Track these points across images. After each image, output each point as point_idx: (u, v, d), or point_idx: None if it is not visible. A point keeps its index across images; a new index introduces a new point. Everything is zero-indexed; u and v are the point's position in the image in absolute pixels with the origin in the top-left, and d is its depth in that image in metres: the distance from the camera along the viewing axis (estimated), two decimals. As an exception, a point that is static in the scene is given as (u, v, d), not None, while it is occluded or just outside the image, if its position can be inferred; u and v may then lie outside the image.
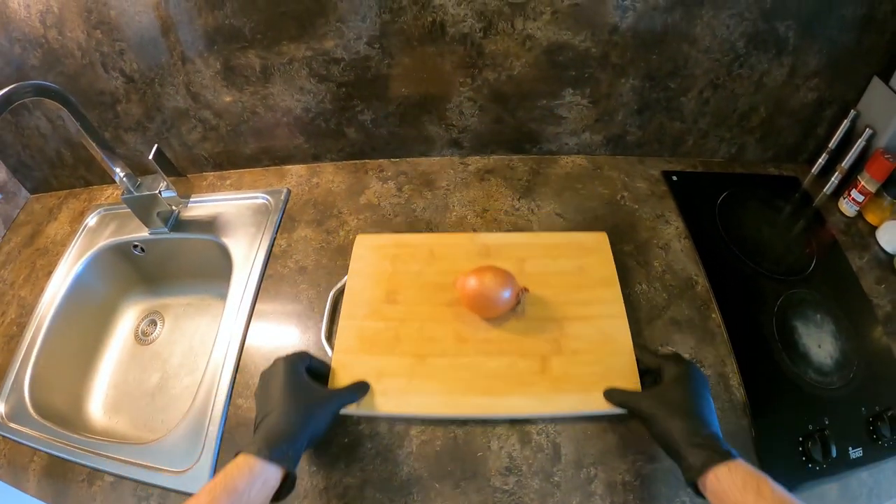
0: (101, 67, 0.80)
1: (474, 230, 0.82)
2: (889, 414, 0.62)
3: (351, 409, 0.62)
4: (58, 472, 0.67)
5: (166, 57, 0.79)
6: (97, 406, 0.84)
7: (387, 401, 0.63)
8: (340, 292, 0.74)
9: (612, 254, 0.74)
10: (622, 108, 0.83)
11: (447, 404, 0.62)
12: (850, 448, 0.61)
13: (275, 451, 0.50)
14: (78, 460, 0.67)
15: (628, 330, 0.66)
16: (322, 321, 0.72)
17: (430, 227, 0.82)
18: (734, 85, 0.80)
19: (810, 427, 0.62)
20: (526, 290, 0.68)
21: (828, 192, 0.86)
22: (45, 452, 0.68)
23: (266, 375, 0.60)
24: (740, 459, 0.49)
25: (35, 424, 0.71)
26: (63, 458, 0.67)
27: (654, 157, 0.90)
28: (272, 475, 0.50)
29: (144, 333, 0.91)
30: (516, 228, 0.81)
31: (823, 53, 0.75)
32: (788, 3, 0.70)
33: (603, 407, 0.61)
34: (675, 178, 0.86)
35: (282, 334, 0.73)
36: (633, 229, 0.80)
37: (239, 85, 0.81)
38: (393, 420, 0.64)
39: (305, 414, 0.55)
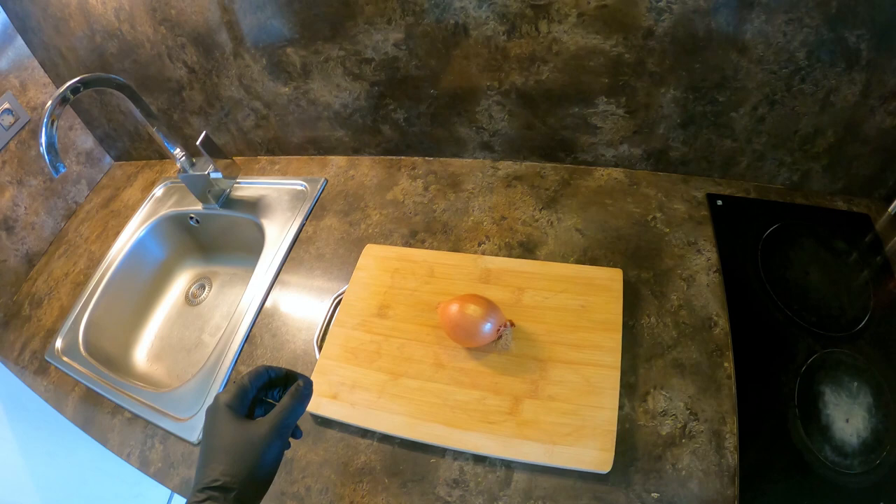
0: (167, 58, 0.94)
1: (487, 237, 0.83)
2: None
3: (320, 412, 0.67)
4: (91, 402, 0.82)
5: (220, 52, 0.90)
6: (142, 353, 1.00)
7: (353, 412, 0.67)
8: (341, 298, 0.79)
9: (622, 295, 0.70)
10: (663, 120, 0.77)
11: (407, 427, 0.65)
12: None
13: None
14: (107, 395, 0.81)
15: (618, 384, 0.63)
16: (320, 319, 0.78)
17: (444, 230, 0.85)
18: (795, 102, 0.70)
19: None
20: (511, 324, 0.68)
21: None
22: (84, 385, 0.84)
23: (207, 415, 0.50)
24: None
25: (82, 360, 0.87)
26: (96, 392, 0.82)
27: (702, 177, 0.83)
28: None
29: (194, 295, 1.06)
30: (529, 241, 0.81)
31: None
32: (859, 9, 0.60)
33: (565, 463, 0.59)
34: (720, 202, 0.79)
35: (290, 315, 0.82)
36: (656, 255, 0.75)
37: (283, 79, 0.90)
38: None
39: (244, 469, 0.45)
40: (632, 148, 0.83)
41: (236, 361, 0.79)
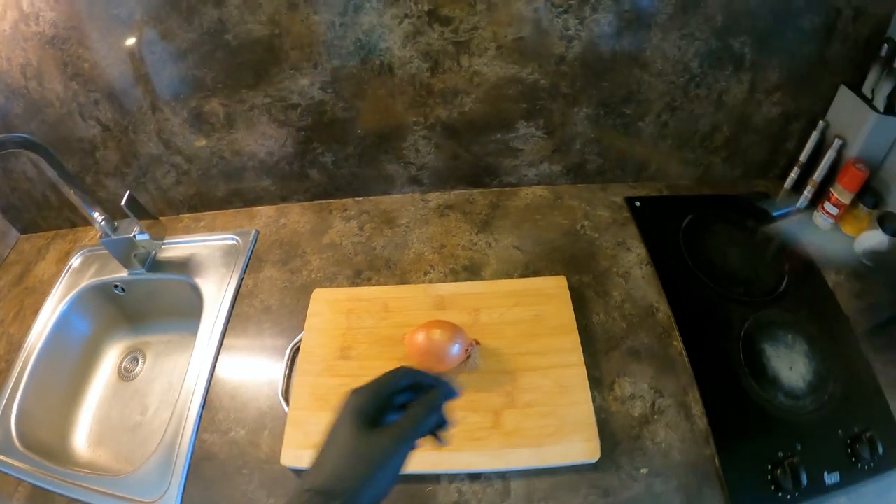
0: (78, 116, 0.89)
1: (431, 267, 0.86)
2: (868, 435, 0.62)
3: (304, 465, 0.65)
4: (39, 502, 0.74)
5: (137, 106, 0.87)
6: (82, 439, 0.91)
7: None
8: (297, 348, 0.79)
9: (570, 299, 0.76)
10: (578, 136, 0.86)
11: None
12: (826, 473, 0.60)
13: None
14: (59, 491, 0.73)
15: (586, 379, 0.69)
16: (281, 373, 0.77)
17: (388, 265, 0.88)
18: (692, 106, 0.82)
19: (780, 454, 0.62)
20: (476, 343, 0.71)
21: (801, 207, 0.87)
22: (29, 483, 0.75)
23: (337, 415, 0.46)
24: None
25: (20, 456, 0.78)
26: (45, 489, 0.74)
27: (618, 184, 0.93)
28: None
29: (127, 370, 0.99)
30: (472, 264, 0.85)
31: (784, 67, 0.78)
32: (740, 19, 0.72)
33: (556, 461, 0.63)
34: (637, 203, 0.89)
35: (246, 373, 0.79)
36: (592, 259, 0.83)
37: (206, 131, 0.89)
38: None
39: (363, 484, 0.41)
40: (552, 165, 0.91)
41: (198, 429, 0.75)
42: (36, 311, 0.95)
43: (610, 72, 0.79)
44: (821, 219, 0.84)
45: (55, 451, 0.86)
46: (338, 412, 0.46)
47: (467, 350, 0.70)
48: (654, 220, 0.87)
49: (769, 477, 0.61)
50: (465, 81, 0.80)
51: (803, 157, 0.85)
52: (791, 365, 0.70)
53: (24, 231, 1.11)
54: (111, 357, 1.01)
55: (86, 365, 0.98)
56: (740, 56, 0.77)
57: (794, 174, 0.88)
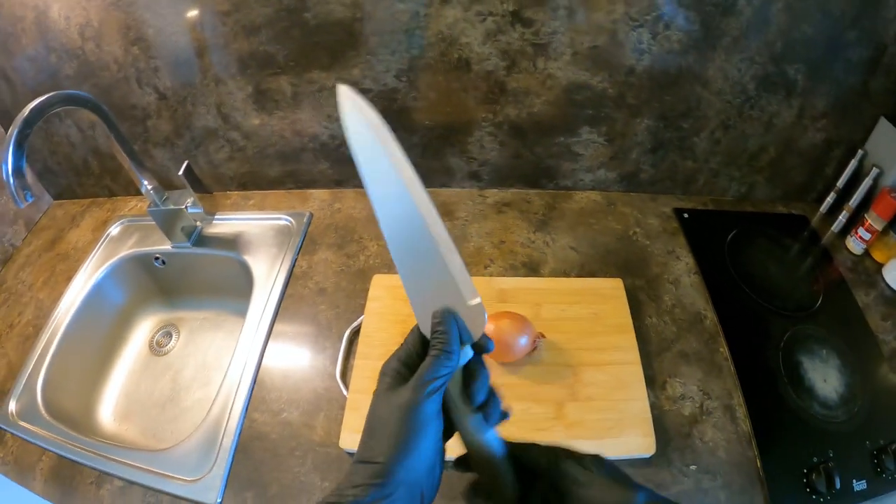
0: (135, 82, 0.87)
1: (491, 261, 0.87)
2: (893, 448, 0.66)
3: None
4: (66, 473, 0.71)
5: (199, 77, 0.85)
6: (107, 412, 0.89)
7: None
8: (356, 331, 0.79)
9: (627, 300, 0.78)
10: (636, 146, 0.89)
11: (461, 447, 0.66)
12: (854, 481, 0.64)
13: None
14: (88, 462, 0.70)
15: (642, 377, 0.71)
16: (338, 356, 0.76)
17: (447, 258, 0.88)
18: (745, 126, 0.86)
19: (815, 459, 0.65)
20: (542, 336, 0.73)
21: (835, 231, 0.91)
22: (54, 453, 0.72)
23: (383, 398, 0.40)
24: None
25: (46, 424, 0.75)
26: (72, 460, 0.71)
27: (667, 195, 0.96)
28: None
29: (159, 344, 0.96)
30: (531, 261, 0.87)
31: (831, 95, 0.82)
32: (797, 47, 0.76)
33: (615, 454, 0.65)
34: (686, 215, 0.92)
35: (299, 353, 0.79)
36: (644, 264, 0.86)
37: (269, 109, 0.88)
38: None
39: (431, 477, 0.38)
40: (608, 172, 0.94)
41: (247, 408, 0.74)
42: (68, 278, 0.92)
43: (673, 87, 0.82)
44: (853, 243, 0.89)
45: (80, 423, 0.83)
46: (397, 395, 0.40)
47: (534, 342, 0.71)
48: (702, 232, 0.90)
49: (805, 480, 0.64)
50: (538, 83, 0.82)
51: (841, 182, 0.90)
52: (825, 377, 0.74)
53: (57, 197, 1.07)
54: (143, 330, 0.98)
55: (117, 336, 0.96)
56: (793, 82, 0.81)
57: (830, 199, 0.93)
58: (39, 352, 0.83)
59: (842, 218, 0.90)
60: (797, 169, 0.92)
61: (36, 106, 0.65)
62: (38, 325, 0.87)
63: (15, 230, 0.99)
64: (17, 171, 0.63)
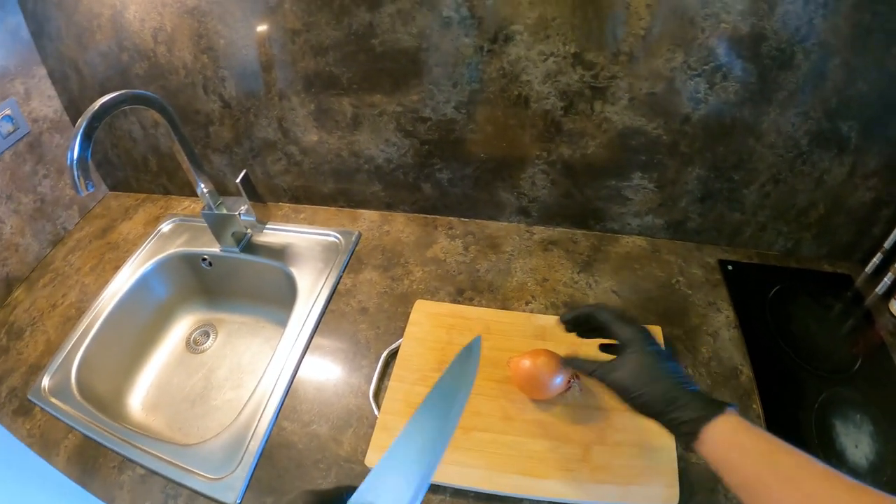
0: (201, 89, 0.90)
1: (533, 297, 0.87)
2: None
3: None
4: (90, 454, 0.72)
5: (264, 91, 0.88)
6: (137, 401, 0.91)
7: None
8: (393, 353, 0.79)
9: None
10: (686, 195, 0.89)
11: (486, 479, 0.65)
12: None
13: None
14: (112, 447, 0.72)
15: None
16: (373, 375, 0.77)
17: (490, 289, 0.89)
18: (795, 180, 0.85)
19: None
20: (577, 377, 0.72)
21: (880, 293, 0.88)
22: (80, 432, 0.74)
23: None
24: (735, 411, 0.49)
25: (76, 404, 0.77)
26: (97, 442, 0.73)
27: (712, 245, 0.95)
28: None
29: (196, 342, 0.99)
30: (573, 300, 0.87)
31: (883, 154, 0.80)
32: (852, 104, 0.75)
33: (638, 501, 0.63)
34: (730, 267, 0.91)
35: (335, 368, 0.80)
36: (684, 314, 0.85)
37: (328, 128, 0.91)
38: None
39: None
40: (655, 218, 0.93)
41: (278, 416, 0.75)
42: (115, 267, 0.95)
43: (727, 137, 0.82)
44: (897, 307, 0.87)
45: (108, 407, 0.85)
46: None
47: (569, 382, 0.70)
48: (744, 285, 0.89)
49: None
50: (594, 126, 0.82)
51: (888, 244, 0.88)
52: (857, 443, 0.72)
53: (113, 188, 1.11)
54: (182, 327, 1.01)
55: (156, 329, 0.98)
56: (846, 139, 0.79)
57: (876, 259, 0.90)
58: (79, 334, 0.86)
59: (887, 280, 0.88)
60: (844, 227, 0.90)
61: (107, 101, 0.67)
62: (80, 308, 0.90)
63: (69, 214, 1.04)
64: (82, 161, 0.65)
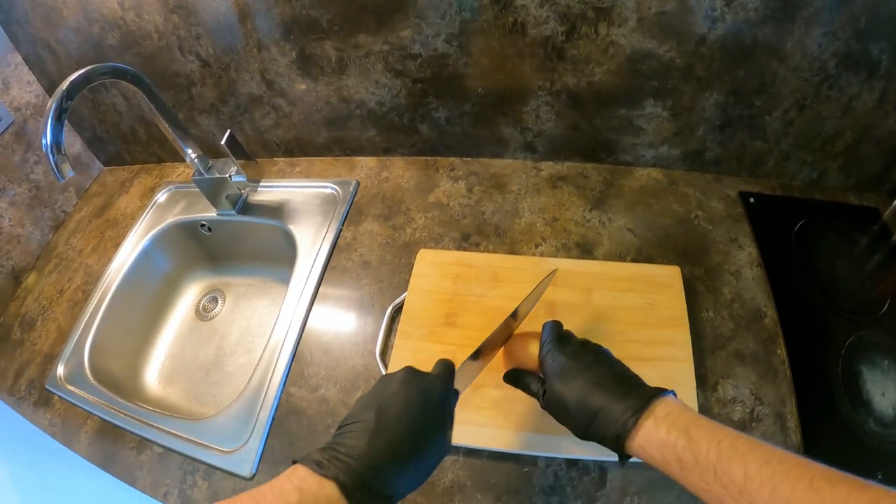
0: (177, 50, 0.81)
1: (543, 239, 0.79)
2: None
3: None
4: (109, 436, 0.69)
5: (242, 43, 0.78)
6: (153, 375, 0.86)
7: None
8: (398, 308, 0.72)
9: (683, 291, 0.69)
10: (703, 122, 0.77)
11: (497, 438, 0.60)
12: None
13: (369, 490, 0.35)
14: (129, 428, 0.69)
15: (693, 376, 0.62)
16: (378, 333, 0.70)
17: (497, 232, 0.80)
18: (821, 107, 0.73)
19: None
20: None
21: None
22: (99, 417, 0.71)
23: (397, 383, 0.43)
24: (671, 396, 0.42)
25: (91, 389, 0.74)
26: (115, 425, 0.70)
27: (732, 176, 0.84)
28: None
29: (205, 309, 0.93)
30: (585, 241, 0.78)
31: None
32: (884, 24, 0.63)
33: None
34: (752, 199, 0.80)
35: (340, 329, 0.73)
36: (704, 252, 0.75)
37: (314, 75, 0.80)
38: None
39: (427, 461, 0.40)
40: (671, 149, 0.82)
41: (285, 382, 0.70)
42: (117, 244, 0.89)
43: (747, 60, 0.69)
44: (929, 240, 0.76)
45: (125, 385, 0.81)
46: (409, 381, 0.44)
47: None
48: (768, 220, 0.78)
49: None
50: (599, 51, 0.71)
51: (919, 175, 0.76)
52: (884, 391, 0.64)
53: (107, 163, 1.04)
54: (190, 295, 0.95)
55: (163, 301, 0.93)
56: (877, 62, 0.67)
57: (905, 192, 0.79)
58: (88, 317, 0.81)
59: (916, 214, 0.77)
60: (873, 157, 0.78)
61: (74, 80, 0.60)
62: (87, 291, 0.85)
63: (66, 197, 0.97)
64: (57, 145, 0.59)
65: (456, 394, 0.47)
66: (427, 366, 0.65)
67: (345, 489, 0.34)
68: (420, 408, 0.41)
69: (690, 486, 0.36)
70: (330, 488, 0.34)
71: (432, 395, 0.43)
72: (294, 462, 0.37)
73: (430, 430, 0.40)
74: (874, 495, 0.28)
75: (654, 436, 0.38)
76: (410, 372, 0.45)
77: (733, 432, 0.37)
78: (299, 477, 0.35)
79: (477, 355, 0.52)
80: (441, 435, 0.42)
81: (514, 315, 0.57)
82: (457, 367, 0.49)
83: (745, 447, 0.34)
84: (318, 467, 0.35)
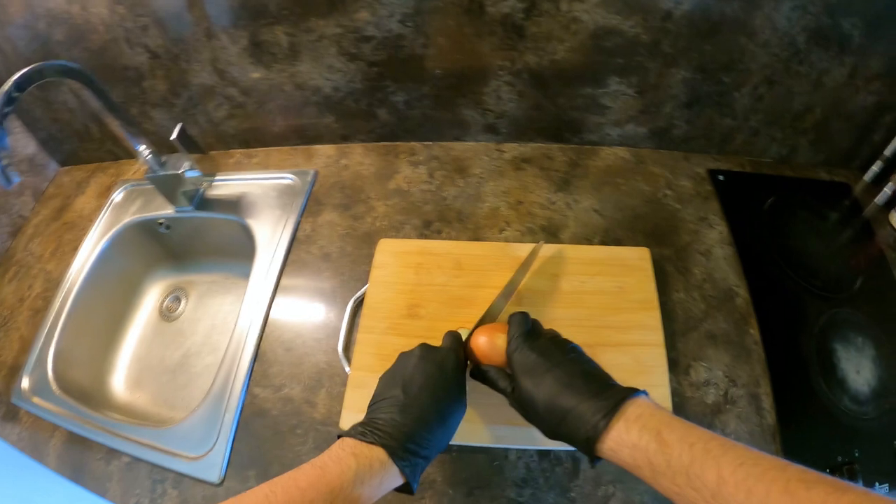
0: (125, 43, 0.76)
1: (507, 224, 0.76)
2: None
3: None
4: (77, 448, 0.66)
5: (191, 32, 0.74)
6: (119, 381, 0.83)
7: None
8: (360, 301, 0.69)
9: (653, 273, 0.66)
10: (670, 100, 0.75)
11: (467, 433, 0.57)
12: (878, 483, 0.55)
13: (409, 451, 0.41)
14: (96, 439, 0.66)
15: (665, 360, 0.60)
16: (340, 328, 0.67)
17: (460, 218, 0.77)
18: (791, 82, 0.71)
19: (840, 458, 0.56)
20: None
21: (879, 203, 0.77)
22: (66, 429, 0.68)
23: (415, 359, 0.48)
24: (643, 397, 0.40)
25: (57, 400, 0.70)
26: (82, 436, 0.67)
27: (701, 154, 0.82)
28: (391, 480, 0.40)
29: (169, 309, 0.89)
30: (551, 224, 0.75)
31: (888, 56, 0.67)
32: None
33: None
34: (721, 177, 0.78)
35: (302, 325, 0.70)
36: (674, 232, 0.73)
37: (266, 62, 0.76)
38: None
39: (451, 424, 0.46)
40: (637, 127, 0.80)
41: (249, 383, 0.66)
42: (75, 248, 0.84)
43: (715, 35, 0.67)
44: (898, 218, 0.74)
45: (92, 393, 0.78)
46: (428, 356, 0.49)
47: None
48: (737, 197, 0.76)
49: None
50: (561, 28, 0.67)
51: (889, 151, 0.75)
52: (858, 368, 0.63)
53: (63, 163, 0.98)
54: (153, 296, 0.91)
55: (126, 304, 0.89)
56: (847, 38, 0.65)
57: (876, 167, 0.78)
58: (49, 325, 0.77)
59: (887, 189, 0.75)
60: (843, 133, 0.77)
61: (15, 81, 0.56)
62: (47, 298, 0.81)
63: (23, 201, 0.91)
64: (1, 151, 0.55)
65: (465, 362, 0.51)
66: (392, 360, 0.62)
67: (392, 452, 0.40)
68: (439, 379, 0.46)
69: (662, 489, 0.35)
70: (379, 451, 0.40)
71: (447, 366, 0.48)
72: (339, 437, 0.42)
73: (450, 397, 0.46)
74: (852, 498, 0.27)
75: (625, 439, 0.37)
76: (425, 348, 0.49)
77: (707, 433, 0.35)
78: (349, 445, 0.40)
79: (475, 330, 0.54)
80: (459, 399, 0.47)
81: (490, 311, 0.57)
82: (463, 339, 0.53)
83: (719, 449, 0.33)
84: (364, 437, 0.40)
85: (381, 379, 0.49)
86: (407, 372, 0.47)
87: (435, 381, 0.46)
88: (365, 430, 0.41)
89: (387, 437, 0.40)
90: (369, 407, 0.46)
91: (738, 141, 0.79)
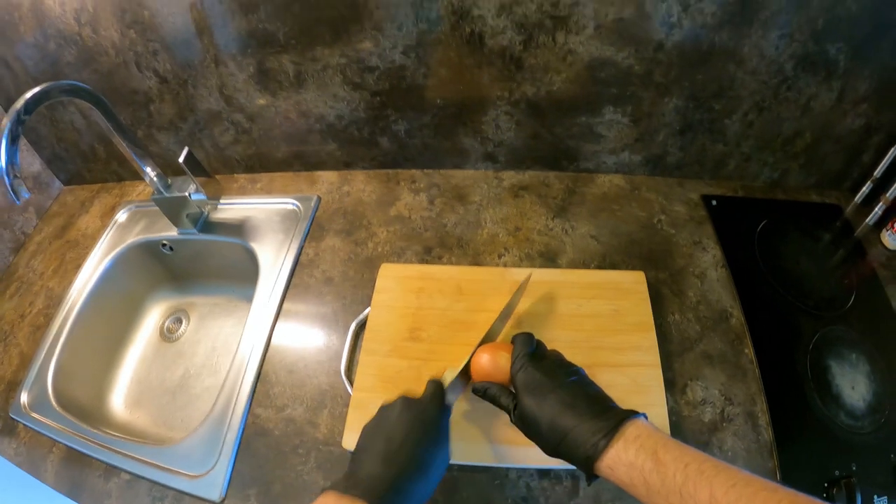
0: (134, 66, 0.77)
1: (506, 249, 0.77)
2: None
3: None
4: (75, 465, 0.66)
5: (199, 59, 0.75)
6: (119, 400, 0.82)
7: None
8: (362, 324, 0.70)
9: (649, 296, 0.68)
10: (664, 128, 0.77)
11: (465, 452, 0.58)
12: (876, 496, 0.56)
13: None
14: (96, 455, 0.66)
15: (662, 380, 0.61)
16: (343, 350, 0.68)
17: (460, 244, 0.78)
18: (780, 108, 0.73)
19: (837, 473, 0.57)
20: None
21: (870, 223, 0.79)
22: (64, 444, 0.67)
23: (396, 412, 0.48)
24: (642, 419, 0.41)
25: (56, 416, 0.70)
26: (81, 452, 0.66)
27: (694, 180, 0.84)
28: None
29: (170, 330, 0.89)
30: (549, 250, 0.76)
31: (874, 78, 0.69)
32: (840, 25, 0.63)
33: None
34: (714, 202, 0.80)
35: (304, 348, 0.71)
36: (669, 256, 0.75)
37: (272, 89, 0.78)
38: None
39: (433, 474, 0.46)
40: (632, 155, 0.82)
41: (251, 404, 0.66)
42: (78, 266, 0.85)
43: (705, 64, 0.69)
44: (889, 238, 0.76)
45: (91, 411, 0.77)
46: (408, 408, 0.49)
47: None
48: (731, 221, 0.78)
49: (825, 495, 0.56)
50: (558, 59, 0.70)
51: (878, 172, 0.77)
52: (853, 384, 0.64)
53: (67, 182, 0.99)
54: (154, 316, 0.91)
55: (127, 323, 0.89)
56: (834, 62, 0.67)
57: (866, 188, 0.80)
58: (50, 342, 0.77)
59: (878, 210, 0.77)
60: (833, 155, 0.79)
61: (28, 99, 0.57)
62: (48, 315, 0.81)
63: (26, 218, 0.92)
64: (11, 168, 0.56)
65: (448, 409, 0.51)
66: (395, 382, 0.63)
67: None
68: (420, 431, 0.46)
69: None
70: None
71: (427, 417, 0.48)
72: (324, 490, 0.42)
73: (431, 448, 0.46)
74: None
75: (622, 458, 0.38)
76: (405, 401, 0.49)
77: (702, 455, 0.36)
78: (333, 499, 0.40)
79: (463, 371, 0.54)
80: (442, 450, 0.47)
81: (489, 335, 0.58)
82: (445, 385, 0.52)
83: (712, 470, 0.34)
84: (347, 490, 0.41)
85: (363, 431, 0.49)
86: (388, 424, 0.47)
87: (416, 433, 0.46)
88: (347, 484, 0.42)
89: (368, 490, 0.41)
90: (351, 459, 0.47)
91: (731, 166, 0.81)
